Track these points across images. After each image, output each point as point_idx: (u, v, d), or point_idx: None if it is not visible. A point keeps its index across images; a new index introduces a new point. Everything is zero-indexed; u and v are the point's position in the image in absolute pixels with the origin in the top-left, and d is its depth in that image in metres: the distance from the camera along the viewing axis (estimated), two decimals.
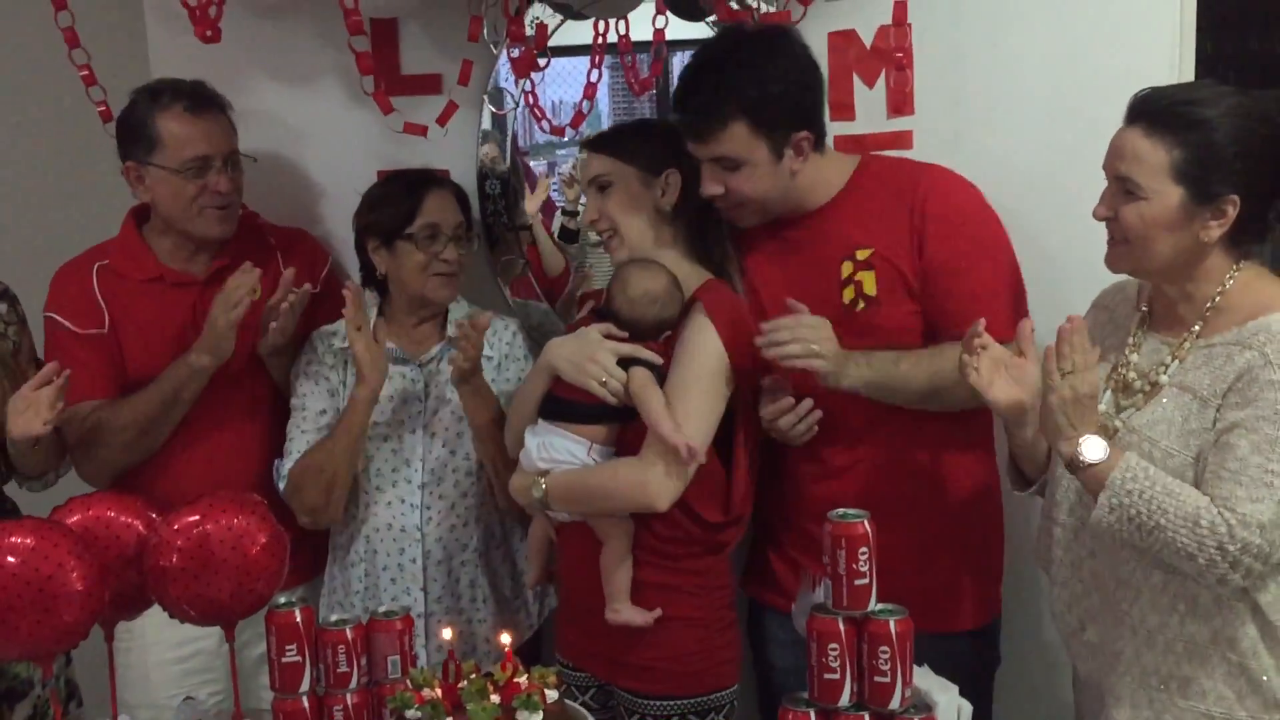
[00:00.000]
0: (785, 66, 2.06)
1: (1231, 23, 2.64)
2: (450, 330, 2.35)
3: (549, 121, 2.66)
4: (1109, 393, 1.89)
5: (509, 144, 2.67)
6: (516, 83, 2.57)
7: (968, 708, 1.78)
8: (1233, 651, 1.77)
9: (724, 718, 2.11)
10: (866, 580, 1.71)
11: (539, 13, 2.49)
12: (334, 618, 1.83)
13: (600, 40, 2.51)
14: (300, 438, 2.31)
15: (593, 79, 2.58)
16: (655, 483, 2.00)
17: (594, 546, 2.09)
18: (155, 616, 1.86)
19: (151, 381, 2.29)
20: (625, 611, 2.06)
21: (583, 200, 2.44)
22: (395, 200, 2.31)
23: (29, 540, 1.65)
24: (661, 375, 2.04)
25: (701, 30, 2.62)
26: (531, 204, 2.73)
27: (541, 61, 2.38)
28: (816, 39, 2.30)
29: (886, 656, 1.68)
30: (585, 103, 2.60)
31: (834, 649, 1.70)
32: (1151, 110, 1.77)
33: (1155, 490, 1.70)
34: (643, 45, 2.49)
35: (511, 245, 2.67)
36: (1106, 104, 1.85)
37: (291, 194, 2.66)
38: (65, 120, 2.67)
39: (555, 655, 2.23)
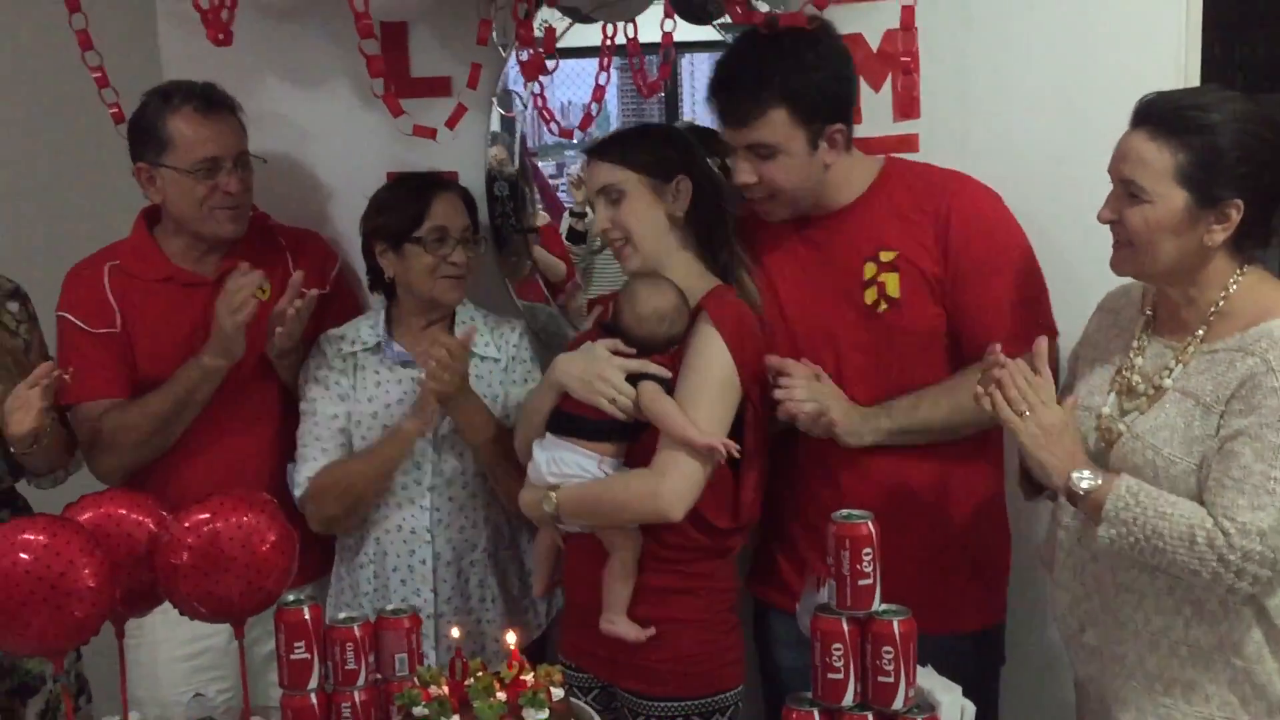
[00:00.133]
0: (826, 58, 2.08)
1: (1239, 25, 2.64)
2: (459, 334, 2.35)
3: (557, 124, 2.67)
4: (1113, 395, 1.89)
5: (517, 146, 2.68)
6: (525, 85, 2.58)
7: (971, 708, 1.79)
8: (1237, 656, 1.78)
9: (728, 719, 2.11)
10: (870, 581, 1.72)
11: (548, 16, 2.50)
12: (342, 615, 1.84)
13: (609, 43, 2.53)
14: (314, 444, 2.32)
15: (601, 82, 2.59)
16: (669, 493, 2.00)
17: (601, 551, 2.09)
18: (165, 614, 1.88)
19: (163, 381, 2.30)
20: (620, 624, 2.06)
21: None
22: (403, 204, 2.32)
23: (41, 537, 1.66)
24: (669, 387, 2.04)
25: (709, 33, 2.64)
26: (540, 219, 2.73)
27: (550, 65, 2.39)
28: None
29: (890, 657, 1.69)
30: (594, 105, 2.61)
31: (838, 649, 1.71)
32: (1157, 114, 1.78)
33: (1149, 514, 1.72)
34: (651, 47, 2.50)
35: (519, 247, 2.68)
36: (1112, 108, 1.86)
37: (301, 195, 2.67)
38: (78, 121, 2.68)
39: (559, 656, 2.24)
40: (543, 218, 2.80)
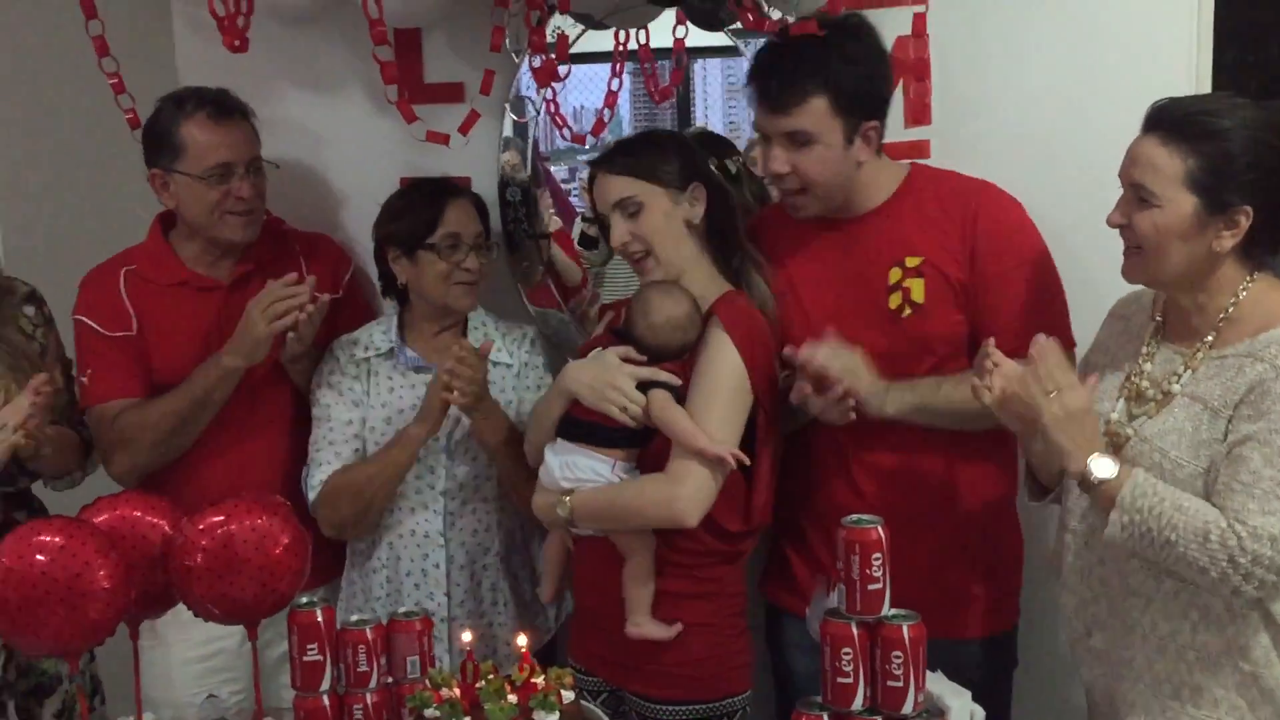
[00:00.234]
0: (869, 54, 2.09)
1: (1251, 32, 2.63)
2: (473, 339, 2.36)
3: (570, 129, 2.68)
4: (1122, 401, 1.89)
5: (530, 151, 2.69)
6: (538, 91, 2.59)
7: (980, 713, 1.79)
8: (1245, 661, 1.78)
9: None
10: (880, 585, 1.72)
11: (560, 23, 2.51)
12: (354, 618, 1.85)
13: (621, 49, 2.54)
14: (328, 449, 2.33)
15: (614, 88, 2.60)
16: (684, 498, 2.01)
17: (610, 556, 2.10)
18: (179, 615, 1.89)
19: (180, 383, 2.32)
20: (646, 625, 2.06)
21: None
22: (416, 210, 2.33)
23: (57, 539, 1.68)
24: (679, 394, 2.05)
25: (721, 39, 2.65)
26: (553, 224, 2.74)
27: (562, 71, 2.40)
28: None
29: (899, 661, 1.69)
30: (606, 111, 2.62)
31: (847, 653, 1.71)
32: (1167, 120, 1.79)
33: (1165, 506, 1.71)
34: (664, 52, 2.51)
35: (531, 253, 2.69)
36: (1124, 114, 1.86)
37: (315, 200, 2.69)
38: (94, 127, 2.71)
39: (568, 661, 2.24)
40: (555, 223, 2.80)
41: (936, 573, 2.15)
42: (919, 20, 2.30)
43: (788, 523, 2.28)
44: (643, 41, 2.54)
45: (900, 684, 1.69)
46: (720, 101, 3.03)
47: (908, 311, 2.12)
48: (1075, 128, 2.31)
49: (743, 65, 2.76)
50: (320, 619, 1.79)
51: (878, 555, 1.72)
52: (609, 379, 2.04)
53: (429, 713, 1.67)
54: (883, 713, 1.71)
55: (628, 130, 2.92)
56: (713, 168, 2.27)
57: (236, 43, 2.26)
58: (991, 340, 1.88)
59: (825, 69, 2.04)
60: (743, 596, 2.17)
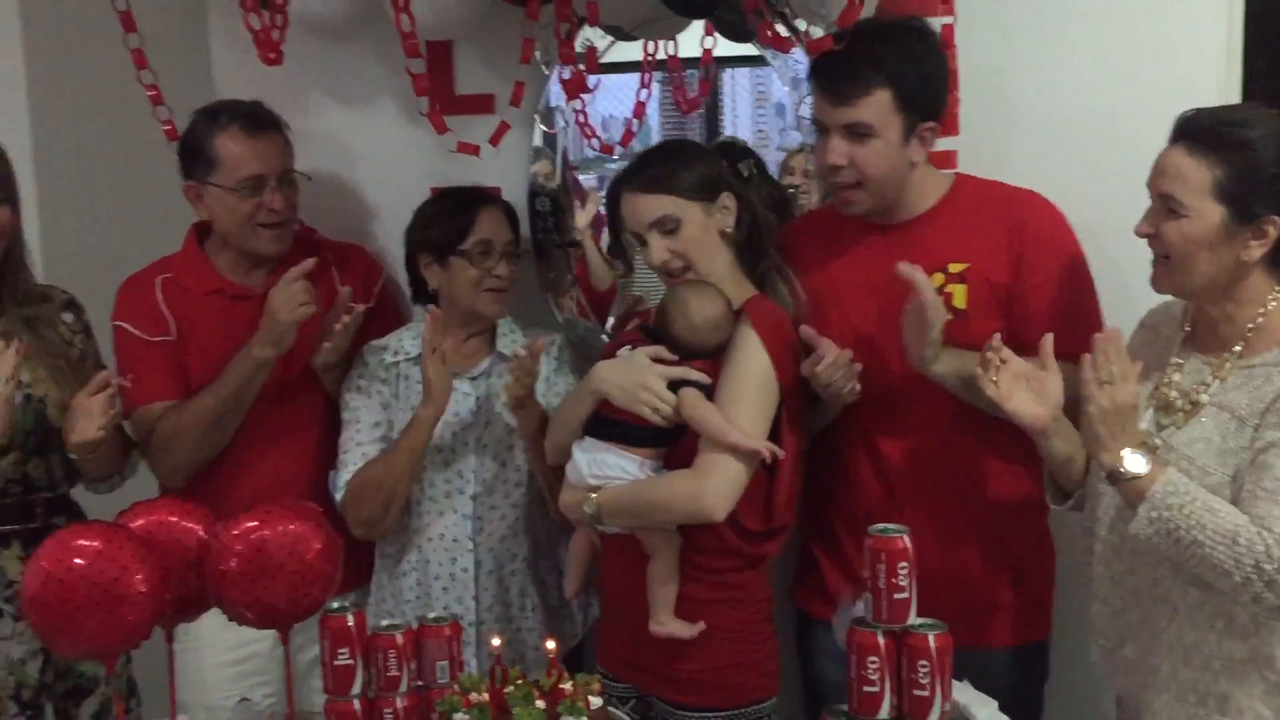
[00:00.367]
0: (932, 54, 2.11)
1: None
2: (500, 345, 2.39)
3: (599, 139, 2.70)
4: (1150, 411, 1.89)
5: (560, 160, 2.71)
6: (567, 102, 2.61)
7: None
8: (1270, 670, 1.77)
9: None
10: (906, 594, 1.73)
11: (590, 35, 2.54)
12: (385, 623, 1.87)
13: (650, 59, 2.55)
14: (355, 450, 2.36)
15: (642, 98, 2.62)
16: (711, 494, 2.01)
17: (638, 559, 2.11)
18: (213, 619, 1.91)
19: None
20: (670, 624, 2.07)
21: None
22: (449, 217, 2.36)
23: (96, 543, 1.70)
24: (708, 392, 2.06)
25: (749, 49, 2.66)
26: (582, 218, 2.75)
27: (591, 82, 2.41)
28: None
29: (926, 670, 1.70)
30: (635, 121, 2.63)
31: (873, 662, 1.71)
32: (1195, 130, 1.79)
33: (1195, 506, 1.71)
34: (692, 62, 2.52)
35: (559, 261, 2.72)
36: (1154, 125, 1.86)
37: (347, 210, 2.72)
38: (132, 139, 2.75)
39: (596, 666, 2.25)
40: (587, 214, 2.82)
41: (967, 578, 2.15)
42: (946, 31, 2.30)
43: (818, 527, 2.29)
44: (671, 52, 2.56)
45: (926, 693, 1.70)
46: (749, 110, 3.03)
47: (948, 317, 2.11)
48: (1105, 138, 2.30)
49: (771, 75, 2.78)
50: (352, 624, 1.81)
51: (904, 564, 1.73)
52: (640, 379, 2.05)
53: (458, 717, 1.68)
54: None
55: (656, 139, 2.93)
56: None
57: (272, 56, 2.29)
58: (998, 335, 1.89)
59: (890, 63, 2.05)
60: (768, 602, 2.17)
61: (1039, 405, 1.89)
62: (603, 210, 2.81)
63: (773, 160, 2.89)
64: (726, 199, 2.14)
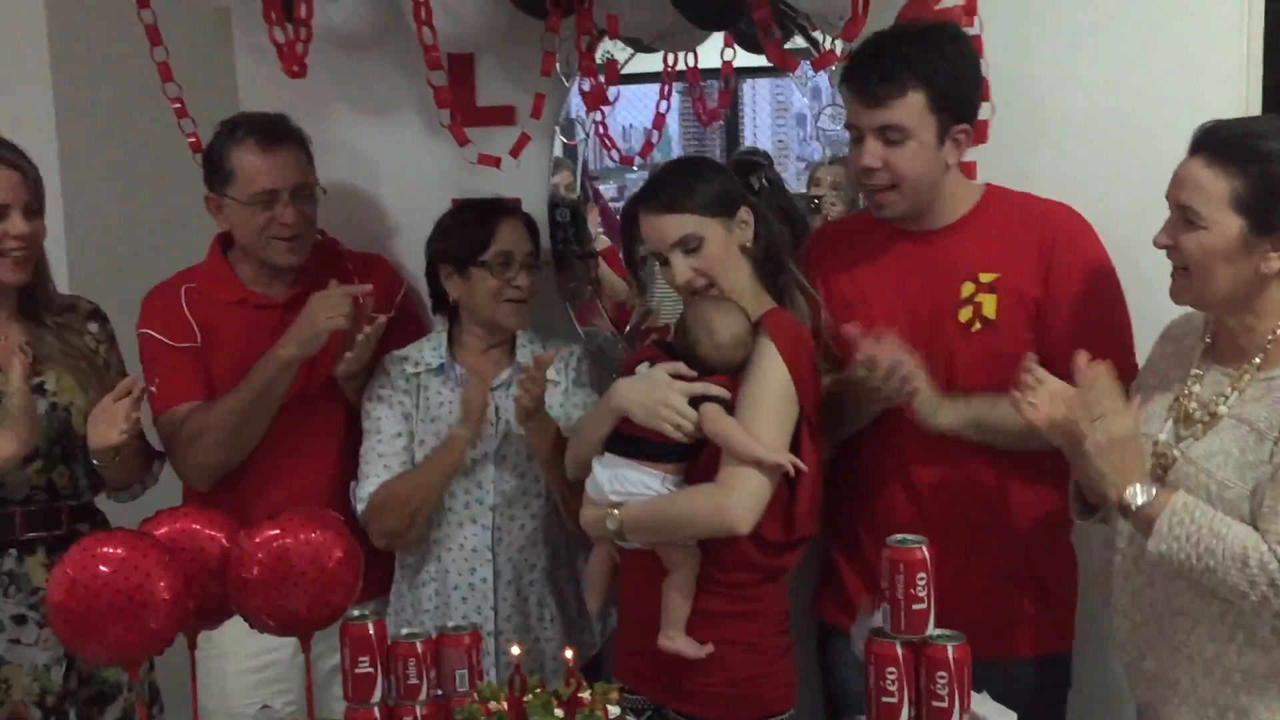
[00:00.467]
0: (965, 57, 2.11)
1: None
2: (520, 356, 2.40)
3: (618, 151, 2.71)
4: (1170, 422, 1.89)
5: (580, 171, 2.72)
6: (587, 113, 2.63)
7: None
8: None
9: None
10: (924, 605, 1.73)
11: (610, 47, 2.55)
12: (405, 632, 1.88)
13: (669, 70, 2.57)
14: (377, 461, 2.37)
15: (661, 110, 2.63)
16: (735, 508, 2.01)
17: (656, 573, 2.11)
18: (234, 627, 1.93)
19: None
20: (678, 640, 2.06)
21: None
22: (469, 228, 2.37)
23: (120, 551, 1.73)
24: (728, 406, 2.06)
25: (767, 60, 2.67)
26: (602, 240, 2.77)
27: (611, 94, 2.43)
28: None
29: (944, 681, 1.70)
30: (654, 133, 2.64)
31: (892, 673, 1.72)
32: (1214, 142, 1.79)
33: (1203, 533, 1.71)
34: (712, 72, 2.53)
35: (579, 272, 2.73)
36: (1175, 136, 1.86)
37: (369, 221, 2.74)
38: (158, 151, 2.78)
39: (612, 679, 2.26)
40: (603, 241, 2.83)
41: (991, 590, 2.15)
42: (974, 42, 2.30)
43: (842, 536, 2.29)
44: (691, 63, 2.57)
45: (945, 704, 1.70)
46: (769, 121, 3.05)
47: (978, 326, 2.12)
48: (1127, 148, 2.30)
49: (790, 86, 2.79)
50: (372, 632, 1.82)
51: (922, 575, 1.73)
52: (661, 397, 2.05)
53: None
54: None
55: (676, 149, 2.94)
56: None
57: (295, 69, 2.32)
58: (1033, 356, 1.89)
59: (924, 65, 2.05)
60: (785, 615, 2.17)
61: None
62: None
63: (794, 170, 2.90)
64: (744, 213, 2.15)
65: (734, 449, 2.02)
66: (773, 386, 2.06)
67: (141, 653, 1.77)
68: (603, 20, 2.35)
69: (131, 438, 2.21)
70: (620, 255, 2.87)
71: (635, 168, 2.77)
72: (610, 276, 2.79)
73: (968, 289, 2.12)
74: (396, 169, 2.73)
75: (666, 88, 2.61)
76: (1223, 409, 1.83)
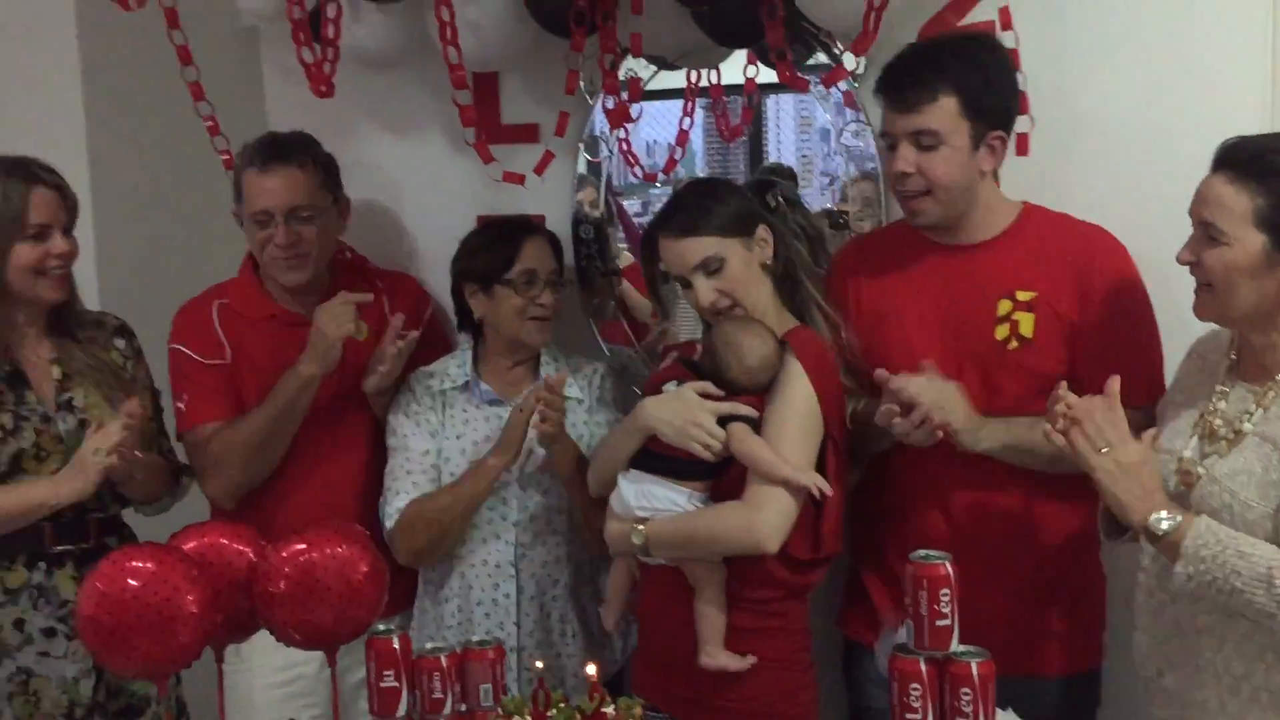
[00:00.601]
0: (998, 63, 2.12)
1: None
2: (544, 373, 2.42)
3: (642, 168, 2.72)
4: (1195, 439, 1.88)
5: (604, 188, 2.74)
6: (611, 130, 2.64)
7: None
8: None
9: None
10: (948, 621, 1.72)
11: (633, 65, 2.57)
12: (429, 646, 1.88)
13: (693, 86, 2.58)
14: (405, 478, 2.38)
15: (684, 127, 2.65)
16: (763, 526, 2.01)
17: (677, 589, 2.11)
18: (261, 641, 1.94)
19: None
20: (720, 656, 2.06)
21: None
22: (494, 246, 2.39)
23: (149, 565, 1.74)
24: (755, 425, 2.06)
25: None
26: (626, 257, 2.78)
27: (635, 112, 2.44)
28: None
29: (969, 699, 1.69)
30: (678, 150, 2.66)
31: (916, 689, 1.71)
32: (1236, 158, 1.79)
33: (1228, 554, 1.70)
34: (736, 88, 2.54)
35: (603, 289, 2.74)
36: (1205, 150, 1.85)
37: (396, 238, 2.77)
38: (188, 169, 2.82)
39: (633, 695, 2.25)
40: (626, 258, 2.85)
41: (1018, 605, 2.14)
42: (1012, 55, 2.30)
43: (870, 552, 2.28)
44: (714, 80, 2.58)
45: None
46: (793, 136, 3.05)
47: (1014, 344, 2.11)
48: (1156, 163, 2.27)
49: (814, 101, 2.80)
50: (397, 646, 1.83)
51: (946, 591, 1.72)
52: (691, 416, 2.05)
53: None
54: None
55: (700, 164, 2.95)
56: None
57: (323, 88, 2.34)
58: (1064, 383, 1.88)
59: (957, 71, 2.06)
60: (808, 633, 2.17)
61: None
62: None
63: (818, 185, 2.90)
64: (763, 231, 2.16)
65: (761, 468, 2.02)
66: (799, 406, 2.06)
67: (170, 666, 1.78)
68: (626, 39, 2.37)
69: (123, 466, 2.21)
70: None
71: (659, 184, 2.78)
72: (634, 293, 2.80)
73: (1004, 306, 2.12)
74: (422, 186, 2.75)
75: (690, 104, 2.62)
76: (1247, 426, 1.82)
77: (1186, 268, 1.86)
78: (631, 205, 2.91)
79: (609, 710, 1.70)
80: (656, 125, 2.78)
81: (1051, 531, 2.17)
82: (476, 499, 2.32)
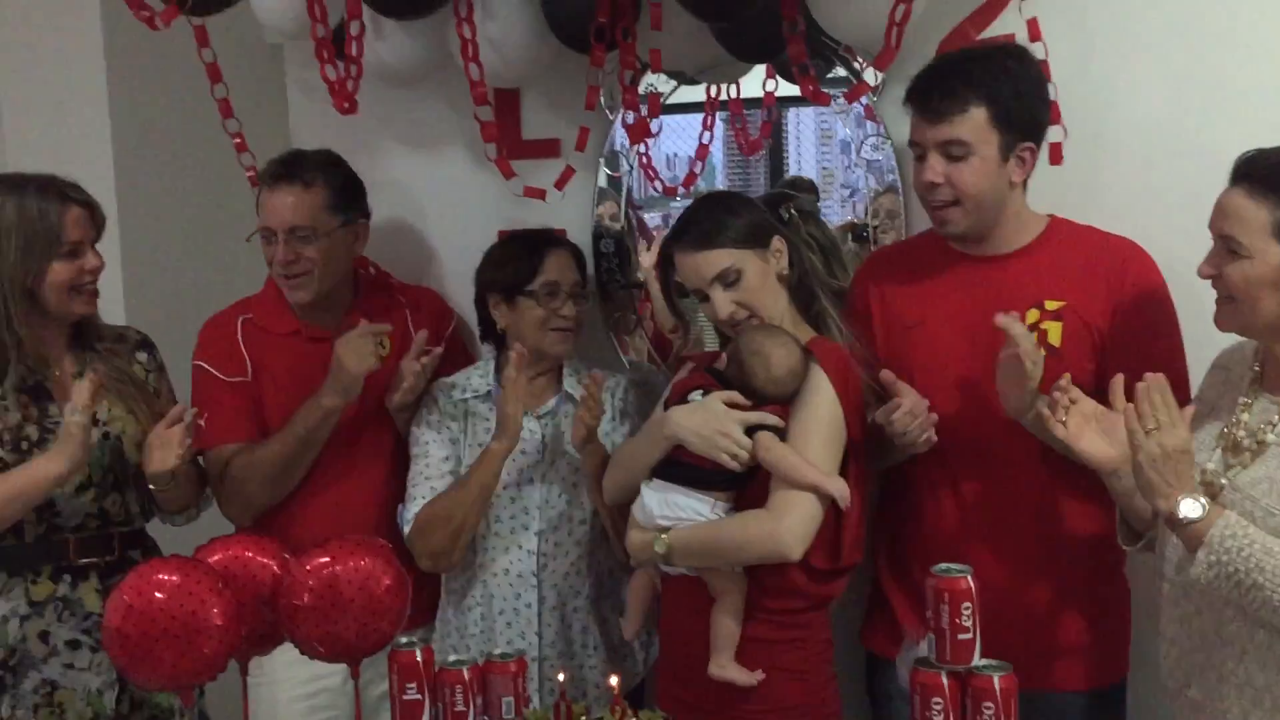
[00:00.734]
0: (1029, 74, 2.12)
1: None
2: (567, 385, 2.43)
3: (661, 182, 2.73)
4: (1219, 451, 1.88)
5: (624, 202, 2.75)
6: (631, 145, 2.65)
7: None
8: None
9: None
10: (970, 635, 1.72)
11: (653, 80, 2.58)
12: (451, 658, 1.89)
13: (712, 100, 2.59)
14: (424, 484, 2.39)
15: (704, 141, 2.66)
16: (788, 533, 2.01)
17: (699, 600, 2.11)
18: (285, 654, 1.95)
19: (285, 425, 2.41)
20: (729, 669, 2.06)
21: None
22: (517, 259, 2.40)
23: (175, 577, 1.76)
24: (780, 435, 2.06)
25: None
26: (647, 259, 2.79)
27: (655, 127, 2.46)
28: None
29: (991, 713, 1.69)
30: (698, 164, 2.67)
31: (937, 703, 1.71)
32: (1254, 171, 1.79)
33: (1254, 549, 1.69)
34: (755, 102, 2.55)
35: (624, 302, 2.75)
36: (1228, 163, 1.85)
37: (418, 253, 2.79)
38: (214, 185, 2.85)
39: (654, 706, 2.25)
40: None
41: (1042, 617, 2.14)
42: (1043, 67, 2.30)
43: (892, 566, 2.28)
44: (734, 94, 2.59)
45: None
46: (814, 149, 3.06)
47: (1042, 353, 2.10)
48: (1185, 173, 2.25)
49: (834, 116, 2.81)
50: (420, 659, 1.84)
51: (967, 605, 1.72)
52: (718, 426, 2.05)
53: None
54: None
55: (721, 178, 2.96)
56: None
57: (346, 105, 2.36)
58: (1067, 376, 1.88)
59: (986, 81, 2.06)
60: (830, 644, 2.17)
61: (1110, 446, 1.89)
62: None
63: (839, 197, 2.90)
64: (778, 242, 2.17)
65: (791, 476, 2.02)
66: (824, 415, 2.07)
67: (195, 678, 1.79)
68: (646, 54, 2.38)
69: (186, 462, 2.26)
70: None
71: (679, 197, 2.79)
72: (660, 301, 2.80)
73: (1033, 315, 2.12)
74: (444, 202, 2.77)
75: (710, 118, 2.63)
76: (1270, 437, 1.81)
77: (1206, 282, 1.85)
78: (652, 219, 2.91)
79: None
80: (677, 138, 2.78)
81: (1074, 543, 2.17)
82: (486, 489, 2.32)
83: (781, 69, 2.55)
